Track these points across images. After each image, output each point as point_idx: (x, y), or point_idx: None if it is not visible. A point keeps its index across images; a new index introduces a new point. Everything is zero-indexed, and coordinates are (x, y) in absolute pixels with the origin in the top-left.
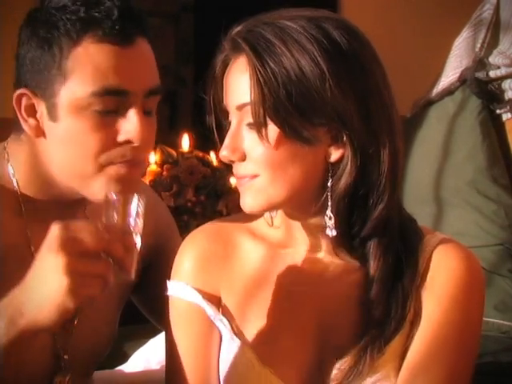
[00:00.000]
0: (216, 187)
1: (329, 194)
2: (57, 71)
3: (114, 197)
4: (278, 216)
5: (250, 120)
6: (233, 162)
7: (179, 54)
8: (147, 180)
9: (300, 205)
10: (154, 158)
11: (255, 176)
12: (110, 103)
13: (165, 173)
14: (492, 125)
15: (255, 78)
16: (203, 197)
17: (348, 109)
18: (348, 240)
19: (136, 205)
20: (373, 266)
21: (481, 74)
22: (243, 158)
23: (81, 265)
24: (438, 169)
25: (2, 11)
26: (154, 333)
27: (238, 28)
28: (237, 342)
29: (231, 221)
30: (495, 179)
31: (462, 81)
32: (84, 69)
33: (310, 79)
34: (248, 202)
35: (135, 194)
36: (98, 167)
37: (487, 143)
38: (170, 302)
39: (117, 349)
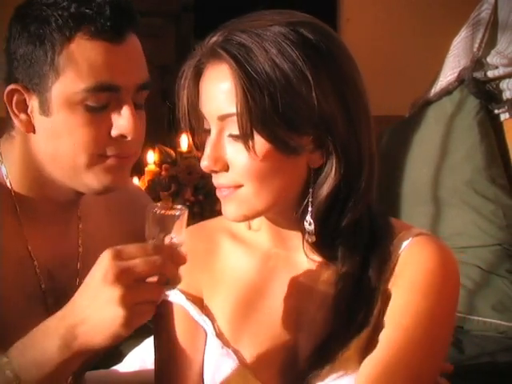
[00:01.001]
0: (214, 187)
1: (310, 199)
2: (50, 67)
3: (157, 212)
4: (257, 219)
5: (234, 131)
6: (215, 171)
7: (180, 54)
8: (146, 179)
9: (280, 211)
10: (152, 157)
11: (238, 186)
12: (103, 98)
13: (163, 172)
14: (490, 125)
15: (241, 90)
16: (201, 196)
17: (332, 114)
18: (322, 241)
19: (179, 217)
20: (341, 264)
21: (479, 74)
22: (226, 169)
23: (136, 295)
24: (435, 169)
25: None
26: (150, 333)
27: (215, 38)
28: (218, 343)
29: (213, 223)
30: (493, 179)
31: (460, 81)
32: (77, 65)
33: (295, 88)
34: (231, 212)
35: (177, 207)
36: (91, 160)
37: (485, 143)
38: None
39: (113, 348)
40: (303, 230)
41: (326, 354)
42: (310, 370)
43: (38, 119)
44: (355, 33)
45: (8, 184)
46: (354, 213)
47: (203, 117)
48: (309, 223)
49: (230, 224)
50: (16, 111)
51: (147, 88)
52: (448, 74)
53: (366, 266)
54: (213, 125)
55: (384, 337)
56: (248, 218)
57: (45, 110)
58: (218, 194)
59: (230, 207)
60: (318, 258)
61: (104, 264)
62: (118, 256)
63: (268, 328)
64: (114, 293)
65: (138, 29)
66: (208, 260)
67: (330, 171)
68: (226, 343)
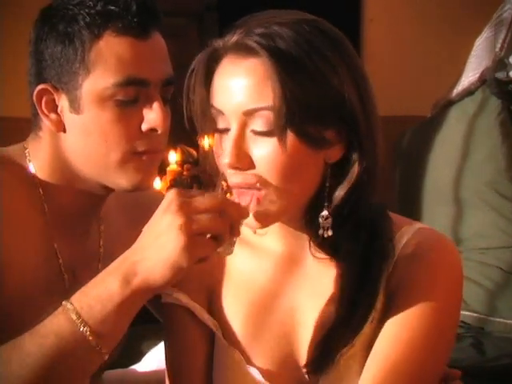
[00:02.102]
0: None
1: (325, 194)
2: (80, 64)
3: (224, 186)
4: None
5: (259, 127)
6: (239, 169)
7: None
8: (168, 179)
9: (296, 209)
10: (174, 157)
11: (258, 188)
12: (132, 93)
13: (185, 172)
14: None
15: (278, 83)
16: None
17: (356, 108)
18: (334, 236)
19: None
20: (343, 260)
21: (501, 74)
22: (251, 166)
23: (197, 224)
24: (457, 169)
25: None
26: None
27: (238, 34)
28: (225, 344)
29: None
30: None
31: (482, 81)
32: (106, 61)
33: (328, 80)
34: (256, 222)
35: None
36: (123, 157)
37: (507, 144)
38: (164, 306)
39: (134, 347)
40: (310, 229)
41: (329, 350)
42: (315, 367)
43: (69, 118)
44: (378, 33)
45: (37, 183)
46: (365, 208)
47: (218, 113)
48: (325, 218)
49: None
50: (46, 111)
51: (173, 83)
52: (470, 75)
53: (368, 260)
54: (233, 120)
55: (388, 333)
56: (272, 222)
57: (75, 107)
58: (243, 199)
59: (256, 215)
60: (322, 256)
61: (168, 198)
62: (182, 193)
63: (275, 328)
64: (175, 220)
65: (162, 27)
66: (216, 264)
67: (353, 165)
68: (233, 344)
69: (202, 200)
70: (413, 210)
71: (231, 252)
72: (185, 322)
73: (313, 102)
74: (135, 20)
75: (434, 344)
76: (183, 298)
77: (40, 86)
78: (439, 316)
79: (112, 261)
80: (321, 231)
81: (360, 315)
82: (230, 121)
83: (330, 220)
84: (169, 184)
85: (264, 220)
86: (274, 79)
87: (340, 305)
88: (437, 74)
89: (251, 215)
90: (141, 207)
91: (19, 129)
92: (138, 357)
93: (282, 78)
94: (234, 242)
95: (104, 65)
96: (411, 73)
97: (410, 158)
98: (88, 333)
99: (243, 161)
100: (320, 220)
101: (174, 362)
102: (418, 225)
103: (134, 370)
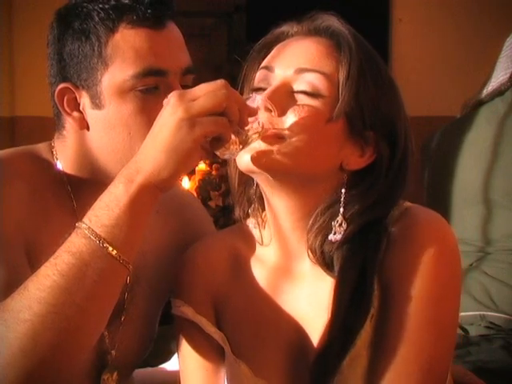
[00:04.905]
0: None
1: (341, 199)
2: (97, 59)
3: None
4: (267, 233)
5: (307, 88)
6: (268, 110)
7: (232, 54)
8: (197, 179)
9: (302, 216)
10: None
11: (279, 136)
12: (152, 83)
13: (214, 172)
14: None
15: (355, 61)
16: None
17: (397, 121)
18: (323, 245)
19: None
20: (340, 268)
21: None
22: (281, 113)
23: (197, 106)
24: (487, 170)
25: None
26: None
27: (326, 20)
28: (232, 356)
29: (232, 238)
30: None
31: None
32: (123, 54)
33: (383, 78)
34: (253, 157)
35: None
36: None
37: None
38: (174, 318)
39: (164, 347)
40: (308, 238)
41: (332, 360)
42: (320, 377)
43: (91, 114)
44: (407, 33)
45: (65, 181)
46: (381, 220)
47: (265, 75)
48: (339, 223)
49: (245, 240)
50: (68, 110)
51: (192, 72)
52: (500, 75)
53: (364, 261)
54: (281, 77)
55: (389, 328)
56: (263, 168)
57: (96, 103)
58: (254, 131)
59: (255, 153)
60: (316, 264)
61: (169, 97)
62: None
63: (279, 338)
64: (174, 108)
65: (175, 16)
66: (223, 276)
67: (379, 174)
68: (240, 355)
69: (201, 87)
70: (442, 211)
71: (231, 156)
72: (193, 335)
73: (368, 96)
74: (149, 11)
75: (435, 327)
76: (189, 312)
77: (60, 86)
78: (435, 298)
79: (143, 257)
80: (331, 236)
81: (359, 318)
82: (276, 79)
83: (344, 225)
84: (197, 184)
85: (257, 161)
86: (348, 54)
87: (338, 311)
88: (466, 73)
89: (248, 152)
90: (172, 207)
91: (37, 127)
92: (167, 356)
93: (358, 58)
94: (236, 148)
95: (121, 57)
96: (440, 72)
97: (439, 158)
98: (99, 241)
99: (278, 100)
100: (334, 225)
101: (186, 374)
102: (407, 204)
103: (163, 369)
